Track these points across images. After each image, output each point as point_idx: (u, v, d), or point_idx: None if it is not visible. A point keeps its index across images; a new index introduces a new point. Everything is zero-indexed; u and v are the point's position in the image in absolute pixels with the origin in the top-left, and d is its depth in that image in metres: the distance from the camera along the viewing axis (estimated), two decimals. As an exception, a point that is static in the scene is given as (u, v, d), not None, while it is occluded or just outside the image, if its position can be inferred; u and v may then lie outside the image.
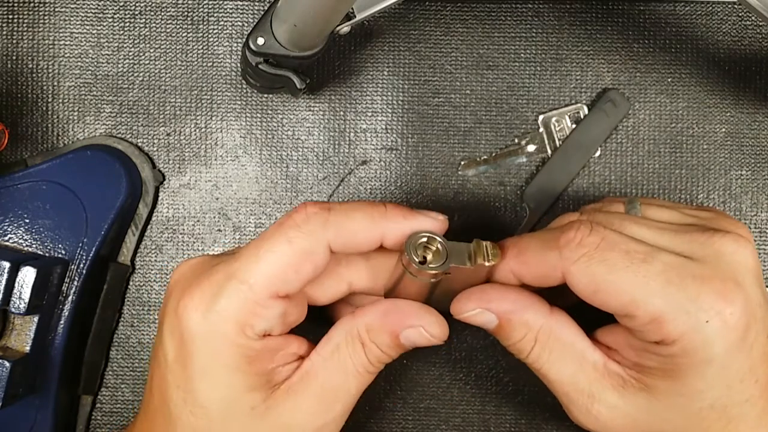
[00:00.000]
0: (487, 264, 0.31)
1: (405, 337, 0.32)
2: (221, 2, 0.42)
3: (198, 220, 0.42)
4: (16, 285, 0.36)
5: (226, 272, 0.31)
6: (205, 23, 0.42)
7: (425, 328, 0.32)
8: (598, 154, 0.42)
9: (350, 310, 0.38)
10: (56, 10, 0.42)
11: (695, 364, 0.28)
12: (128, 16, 0.42)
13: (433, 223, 0.32)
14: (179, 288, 0.32)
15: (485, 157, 0.42)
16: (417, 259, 0.31)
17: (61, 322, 0.39)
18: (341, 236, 0.31)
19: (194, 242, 0.42)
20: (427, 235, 0.31)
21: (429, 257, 0.31)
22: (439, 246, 0.31)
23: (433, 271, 0.31)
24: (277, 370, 0.32)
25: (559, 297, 0.33)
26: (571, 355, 0.31)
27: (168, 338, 0.31)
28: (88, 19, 0.42)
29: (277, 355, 0.32)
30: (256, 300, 0.30)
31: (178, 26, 0.42)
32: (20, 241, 0.39)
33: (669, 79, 0.42)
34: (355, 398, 0.32)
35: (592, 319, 0.32)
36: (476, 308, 0.32)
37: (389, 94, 0.42)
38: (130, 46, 0.42)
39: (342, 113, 0.42)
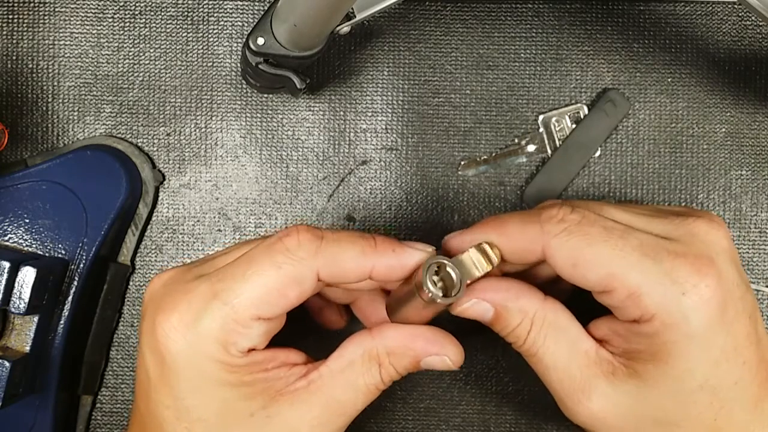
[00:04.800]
0: (494, 267, 0.31)
1: (426, 363, 0.32)
2: (221, 2, 0.42)
3: (198, 220, 0.42)
4: (16, 285, 0.36)
5: (208, 291, 0.30)
6: (205, 23, 0.42)
7: (449, 357, 0.32)
8: (598, 154, 0.42)
9: (325, 305, 0.38)
10: (56, 10, 0.42)
11: (677, 341, 0.29)
12: (128, 16, 0.42)
13: (422, 255, 0.31)
14: (154, 305, 0.31)
15: (485, 157, 0.42)
16: (439, 293, 0.30)
17: (61, 322, 0.39)
18: (330, 266, 0.31)
19: (194, 242, 0.42)
20: (437, 262, 0.31)
21: (440, 283, 0.31)
22: (449, 269, 0.31)
23: (454, 299, 0.31)
24: (274, 377, 0.31)
25: (548, 293, 0.33)
26: (565, 341, 0.32)
27: (149, 357, 0.31)
28: (88, 19, 0.42)
29: (267, 366, 0.31)
30: (239, 320, 0.30)
31: (178, 26, 0.42)
32: (20, 241, 0.39)
33: (669, 79, 0.42)
34: (358, 413, 0.32)
35: (581, 315, 0.32)
36: (472, 299, 0.32)
37: (389, 94, 0.42)
38: (130, 46, 0.42)
39: (342, 113, 0.42)
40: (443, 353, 0.32)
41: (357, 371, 0.32)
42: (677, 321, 0.28)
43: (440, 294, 0.30)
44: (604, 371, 0.31)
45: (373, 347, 0.32)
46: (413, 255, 0.31)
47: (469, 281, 0.31)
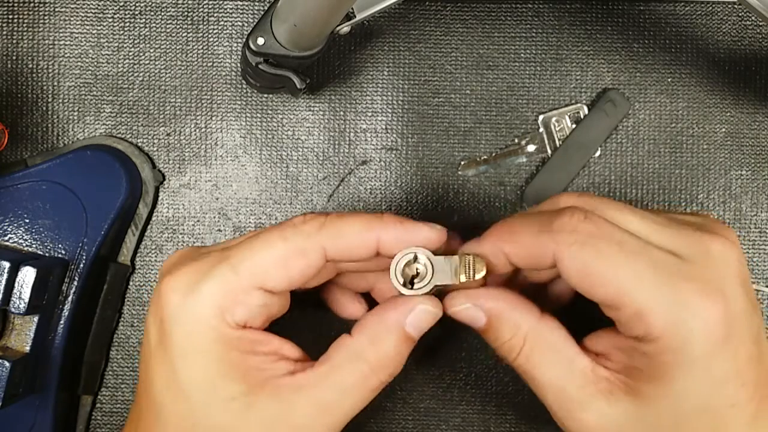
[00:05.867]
0: (471, 280, 0.31)
1: (410, 324, 0.32)
2: (221, 2, 0.42)
3: (198, 220, 0.42)
4: (16, 285, 0.36)
5: (215, 257, 0.31)
6: (205, 23, 0.42)
7: (426, 306, 0.32)
8: (598, 154, 0.42)
9: (341, 293, 0.38)
10: (56, 10, 0.42)
11: (679, 363, 0.28)
12: (128, 16, 0.42)
13: (430, 232, 0.31)
14: (166, 273, 0.32)
15: (485, 157, 0.42)
16: (400, 282, 0.31)
17: (61, 322, 0.39)
18: (336, 240, 0.31)
19: (194, 242, 0.42)
20: (414, 251, 0.31)
21: (419, 270, 0.31)
22: (426, 263, 0.31)
23: (419, 293, 0.31)
24: (259, 365, 0.31)
25: (546, 302, 0.33)
26: (560, 360, 0.31)
27: (151, 322, 0.32)
28: (88, 19, 0.42)
29: (256, 349, 0.31)
30: (240, 286, 0.30)
31: (178, 26, 0.42)
32: (20, 241, 0.39)
33: (669, 79, 0.42)
34: (347, 415, 0.32)
35: (579, 326, 0.32)
36: (466, 303, 0.32)
37: (389, 94, 0.42)
38: (130, 46, 0.42)
39: (342, 113, 0.42)
40: (417, 302, 0.32)
41: (343, 371, 0.31)
42: (681, 345, 0.28)
43: (400, 282, 0.31)
44: (602, 389, 0.31)
45: (354, 343, 0.32)
46: (421, 230, 0.31)
47: (440, 284, 0.31)
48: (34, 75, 0.42)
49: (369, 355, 0.31)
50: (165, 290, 0.31)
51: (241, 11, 0.42)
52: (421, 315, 0.32)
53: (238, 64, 0.42)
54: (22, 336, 0.38)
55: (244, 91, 0.42)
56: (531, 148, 0.42)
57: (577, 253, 0.29)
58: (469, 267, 0.31)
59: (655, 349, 0.29)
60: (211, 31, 0.42)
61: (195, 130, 0.42)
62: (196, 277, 0.31)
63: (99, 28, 0.42)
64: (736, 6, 0.42)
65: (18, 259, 0.36)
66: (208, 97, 0.42)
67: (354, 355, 0.31)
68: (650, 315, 0.28)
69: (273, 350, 0.32)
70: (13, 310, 0.36)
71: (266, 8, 0.35)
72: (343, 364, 0.31)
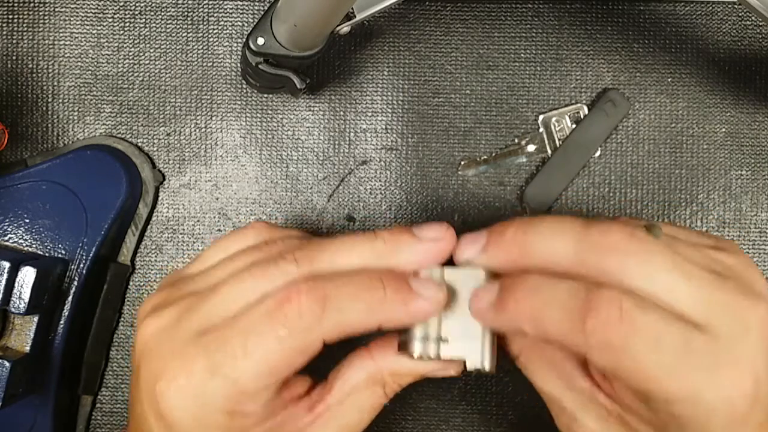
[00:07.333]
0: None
1: (431, 373, 0.32)
2: (221, 2, 0.42)
3: (198, 220, 0.42)
4: (16, 285, 0.36)
5: (206, 364, 0.29)
6: (205, 23, 0.42)
7: (452, 369, 0.32)
8: (598, 154, 0.42)
9: None
10: (56, 10, 0.42)
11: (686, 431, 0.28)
12: (128, 16, 0.42)
13: (433, 306, 0.30)
14: (147, 361, 0.31)
15: (485, 157, 0.42)
16: (415, 356, 0.30)
17: (61, 322, 0.39)
18: (336, 329, 0.29)
19: (194, 242, 0.42)
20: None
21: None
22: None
23: (430, 363, 0.31)
24: (281, 420, 0.31)
25: None
26: (560, 375, 0.32)
27: (151, 418, 0.30)
28: (88, 19, 0.42)
29: (275, 412, 0.31)
30: (244, 392, 0.29)
31: (178, 26, 0.42)
32: (20, 241, 0.39)
33: (669, 79, 0.42)
34: (364, 428, 0.32)
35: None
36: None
37: (389, 94, 0.42)
38: (130, 46, 0.42)
39: (342, 113, 0.42)
40: (446, 367, 0.32)
41: (362, 394, 0.32)
42: (702, 424, 0.28)
43: (415, 357, 0.30)
44: (598, 413, 0.31)
45: (376, 371, 0.32)
46: (424, 307, 0.30)
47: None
48: (34, 75, 0.42)
49: (390, 384, 0.32)
50: (162, 395, 0.29)
51: (241, 11, 0.42)
52: (442, 373, 0.32)
53: (238, 64, 0.42)
54: (22, 336, 0.38)
55: (244, 91, 0.42)
56: (531, 148, 0.42)
57: (609, 354, 0.28)
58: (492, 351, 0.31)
59: (669, 417, 0.28)
60: (211, 31, 0.42)
61: (195, 130, 0.42)
62: (193, 386, 0.29)
63: (99, 28, 0.42)
64: (736, 6, 0.42)
65: (18, 259, 0.36)
66: (208, 97, 0.42)
67: (373, 380, 0.32)
68: (676, 401, 0.28)
69: (288, 401, 0.32)
70: (13, 310, 0.36)
71: (266, 8, 0.35)
72: (363, 388, 0.32)
